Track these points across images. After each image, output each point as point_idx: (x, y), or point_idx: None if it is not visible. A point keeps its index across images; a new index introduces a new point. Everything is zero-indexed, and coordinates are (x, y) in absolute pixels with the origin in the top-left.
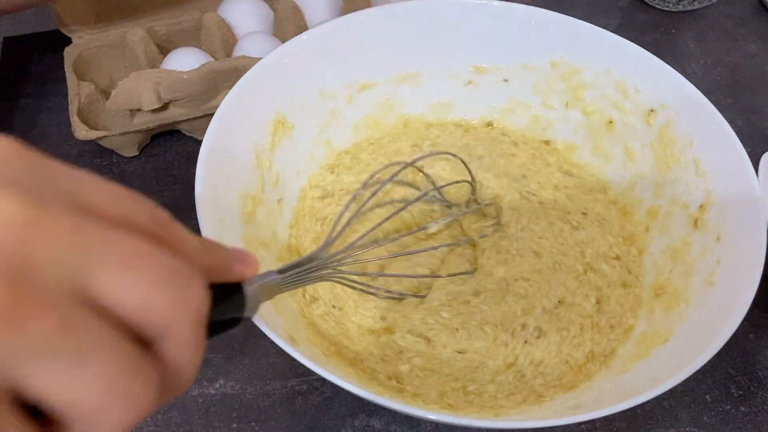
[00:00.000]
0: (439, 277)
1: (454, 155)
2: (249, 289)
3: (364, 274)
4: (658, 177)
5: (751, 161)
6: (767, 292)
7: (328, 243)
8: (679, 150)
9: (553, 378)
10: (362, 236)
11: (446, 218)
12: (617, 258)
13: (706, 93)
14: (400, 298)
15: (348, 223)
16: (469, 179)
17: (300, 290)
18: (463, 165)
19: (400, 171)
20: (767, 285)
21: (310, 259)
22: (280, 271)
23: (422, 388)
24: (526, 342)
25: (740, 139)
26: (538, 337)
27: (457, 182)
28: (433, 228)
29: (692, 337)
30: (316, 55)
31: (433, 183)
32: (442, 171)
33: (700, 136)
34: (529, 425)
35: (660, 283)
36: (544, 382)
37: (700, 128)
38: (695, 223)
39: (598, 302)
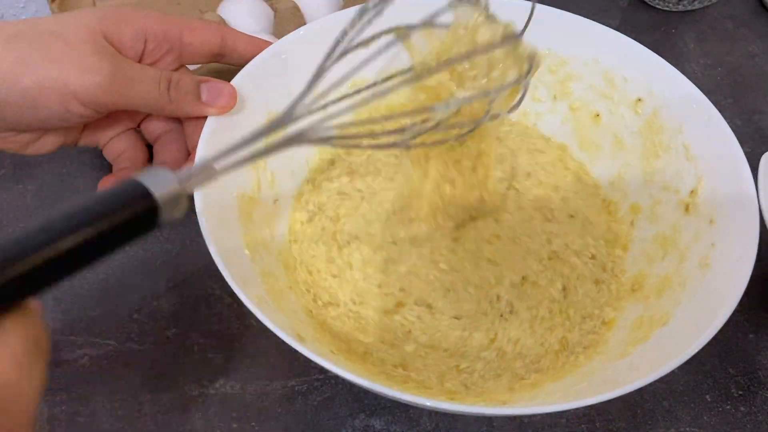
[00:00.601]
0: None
1: None
2: (160, 194)
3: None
4: (647, 165)
5: (751, 161)
6: (767, 292)
7: (300, 98)
8: (668, 137)
9: (531, 360)
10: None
11: (457, 101)
12: (593, 257)
13: (706, 93)
14: (385, 145)
15: (324, 70)
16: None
17: (311, 295)
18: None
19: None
20: (767, 285)
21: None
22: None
23: (424, 371)
24: (501, 316)
25: (740, 139)
26: (510, 312)
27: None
28: (439, 112)
29: (691, 318)
30: (309, 53)
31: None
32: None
33: (688, 121)
34: (534, 411)
35: (636, 278)
36: (523, 364)
37: (688, 113)
38: (687, 209)
39: (564, 289)
